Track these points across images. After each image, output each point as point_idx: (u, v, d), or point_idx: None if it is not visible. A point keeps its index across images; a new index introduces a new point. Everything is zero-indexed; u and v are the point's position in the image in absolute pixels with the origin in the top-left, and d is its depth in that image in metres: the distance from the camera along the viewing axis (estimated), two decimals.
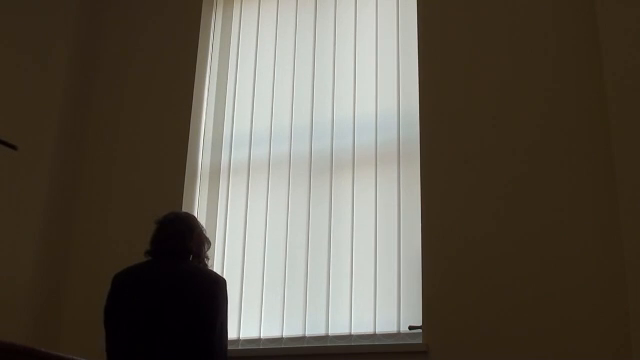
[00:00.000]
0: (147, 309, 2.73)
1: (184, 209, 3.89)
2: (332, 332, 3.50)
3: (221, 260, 3.85)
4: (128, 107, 4.36)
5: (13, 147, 2.66)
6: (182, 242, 2.91)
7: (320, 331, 3.52)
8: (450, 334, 3.22)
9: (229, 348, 2.93)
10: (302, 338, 3.55)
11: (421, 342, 3.28)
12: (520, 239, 3.23)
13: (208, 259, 3.07)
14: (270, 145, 3.97)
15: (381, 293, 3.47)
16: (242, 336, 3.66)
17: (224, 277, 2.97)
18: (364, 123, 3.79)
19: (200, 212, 3.97)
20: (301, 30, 4.13)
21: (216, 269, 3.74)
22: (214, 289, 2.80)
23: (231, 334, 3.49)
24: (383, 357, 3.31)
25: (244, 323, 3.68)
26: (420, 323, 3.33)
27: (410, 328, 3.35)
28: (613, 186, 3.07)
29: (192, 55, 4.25)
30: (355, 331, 3.46)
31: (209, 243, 3.10)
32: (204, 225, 3.22)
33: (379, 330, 3.42)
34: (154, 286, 2.77)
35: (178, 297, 2.73)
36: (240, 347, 3.62)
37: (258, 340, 3.62)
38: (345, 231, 3.65)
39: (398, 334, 3.38)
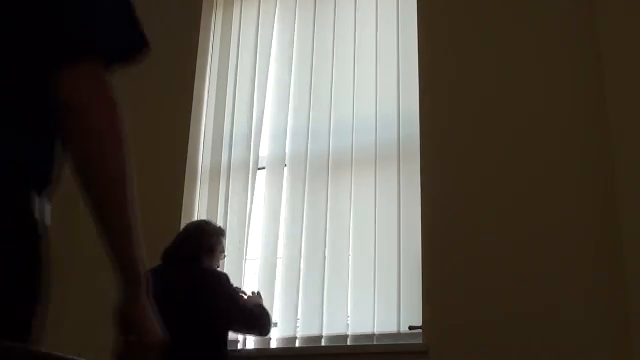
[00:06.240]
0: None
1: (184, 209, 3.90)
2: (331, 332, 3.50)
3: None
4: (128, 107, 4.32)
5: None
6: (188, 247, 2.99)
7: (319, 331, 3.52)
8: (450, 334, 3.21)
9: (229, 348, 2.94)
10: (302, 338, 3.54)
11: (421, 342, 3.28)
12: (521, 239, 3.22)
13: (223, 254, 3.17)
14: (270, 145, 3.96)
15: (381, 293, 3.47)
16: (241, 336, 3.65)
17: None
18: (364, 123, 3.78)
19: (200, 212, 3.97)
20: (301, 30, 4.12)
21: None
22: (210, 285, 2.84)
23: (230, 334, 3.49)
24: (383, 357, 3.31)
25: None
26: (420, 323, 3.32)
27: (410, 328, 3.34)
28: (614, 186, 3.08)
29: (192, 55, 4.24)
30: (354, 331, 3.46)
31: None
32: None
33: (379, 330, 3.41)
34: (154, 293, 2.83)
35: (177, 304, 2.78)
36: (239, 347, 3.61)
37: (256, 340, 3.62)
38: (344, 231, 3.64)
39: (398, 334, 3.38)
